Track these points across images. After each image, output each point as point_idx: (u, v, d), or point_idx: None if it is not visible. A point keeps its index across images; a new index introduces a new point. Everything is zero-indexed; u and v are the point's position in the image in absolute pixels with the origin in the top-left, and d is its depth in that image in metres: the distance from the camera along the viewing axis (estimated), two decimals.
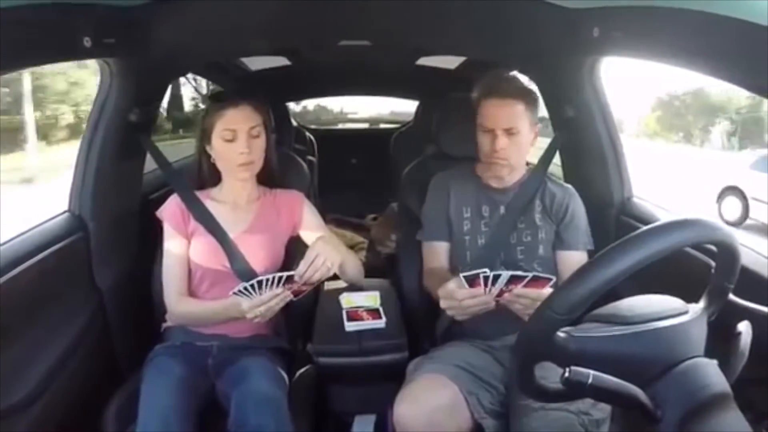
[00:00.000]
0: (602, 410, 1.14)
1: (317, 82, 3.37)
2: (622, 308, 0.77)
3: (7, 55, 0.98)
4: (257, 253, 1.38)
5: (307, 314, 1.58)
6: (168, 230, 1.39)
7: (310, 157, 2.97)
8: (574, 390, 0.69)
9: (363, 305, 1.58)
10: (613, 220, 1.57)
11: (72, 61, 1.33)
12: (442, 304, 1.18)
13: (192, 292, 1.39)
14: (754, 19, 0.83)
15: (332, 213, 3.14)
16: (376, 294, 1.63)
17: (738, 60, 0.92)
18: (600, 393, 0.69)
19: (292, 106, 4.22)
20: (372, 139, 3.74)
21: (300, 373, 1.47)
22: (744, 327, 0.78)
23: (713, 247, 0.79)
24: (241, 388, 1.22)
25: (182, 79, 3.38)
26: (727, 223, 5.92)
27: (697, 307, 0.79)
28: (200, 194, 1.42)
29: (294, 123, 3.10)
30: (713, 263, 0.80)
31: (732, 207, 6.51)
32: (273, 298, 1.20)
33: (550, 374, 0.75)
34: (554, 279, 1.11)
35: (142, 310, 1.50)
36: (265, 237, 1.41)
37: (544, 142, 1.54)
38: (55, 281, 1.32)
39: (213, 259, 1.37)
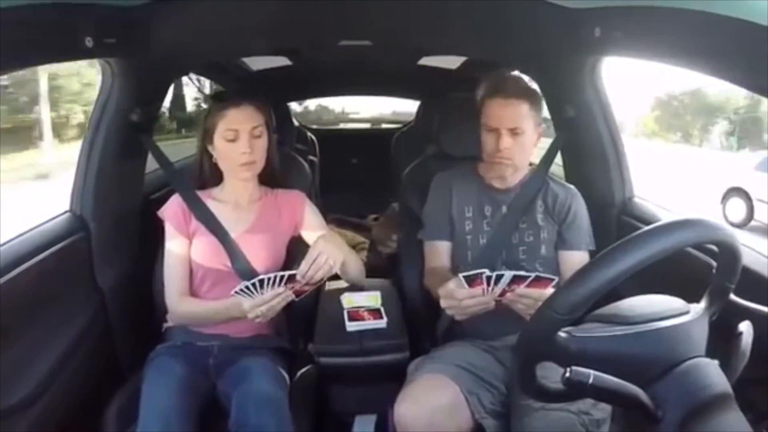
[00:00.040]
0: (603, 410, 1.13)
1: (318, 82, 3.37)
2: (624, 308, 0.77)
3: (8, 55, 0.99)
4: (258, 253, 1.38)
5: (308, 314, 1.58)
6: (169, 230, 1.39)
7: (311, 157, 2.97)
8: (574, 390, 0.69)
9: (364, 305, 1.58)
10: (615, 220, 1.57)
11: (74, 61, 1.33)
12: (442, 303, 1.18)
13: (193, 292, 1.39)
14: (754, 19, 0.83)
15: (333, 213, 3.15)
16: (377, 294, 1.63)
17: (738, 60, 0.92)
18: (601, 393, 0.69)
19: (294, 106, 4.22)
20: (373, 139, 3.74)
21: (301, 373, 1.47)
22: (745, 327, 0.78)
23: (714, 247, 0.79)
24: (241, 388, 1.22)
25: (185, 79, 3.38)
26: (732, 224, 5.90)
27: (699, 307, 0.79)
28: (202, 194, 1.42)
29: (295, 123, 3.10)
30: (714, 263, 0.80)
31: (736, 208, 6.48)
32: (274, 298, 1.20)
33: (551, 374, 0.75)
34: (557, 279, 1.11)
35: (144, 310, 1.50)
36: (267, 237, 1.41)
37: (545, 142, 1.54)
38: (56, 281, 1.32)
39: (214, 259, 1.37)
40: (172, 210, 1.40)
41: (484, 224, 1.43)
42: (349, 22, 1.50)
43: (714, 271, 0.80)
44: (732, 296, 0.81)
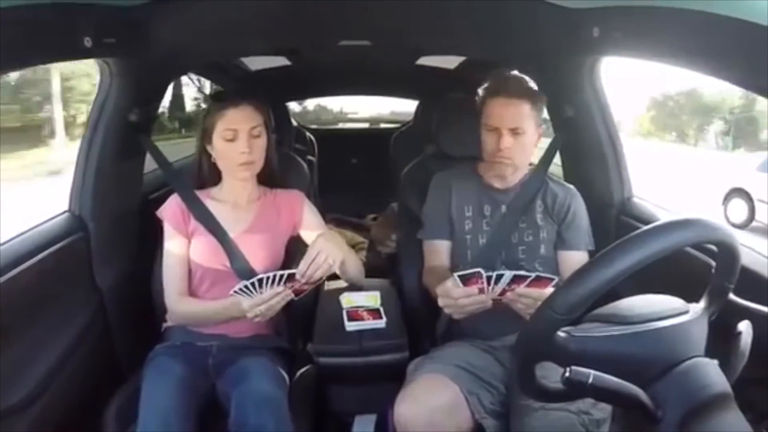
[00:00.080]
0: (603, 410, 1.13)
1: (317, 82, 3.37)
2: (623, 308, 0.77)
3: (7, 55, 0.98)
4: (257, 253, 1.38)
5: (308, 314, 1.58)
6: (168, 230, 1.39)
7: (310, 157, 2.97)
8: (574, 390, 0.69)
9: (363, 305, 1.58)
10: (613, 220, 1.57)
11: (73, 61, 1.33)
12: (440, 302, 1.18)
13: (192, 292, 1.39)
14: (754, 19, 0.83)
15: (332, 213, 3.14)
16: (377, 294, 1.63)
17: (738, 60, 0.92)
18: (600, 393, 0.69)
19: (293, 106, 4.21)
20: (372, 139, 3.74)
21: (300, 373, 1.47)
22: (744, 327, 0.78)
23: (714, 247, 0.79)
24: (241, 388, 1.22)
25: (184, 79, 3.38)
26: (733, 225, 5.90)
27: (698, 307, 0.79)
28: (200, 194, 1.42)
29: (294, 123, 3.10)
30: (713, 263, 0.80)
31: (738, 209, 6.47)
32: (274, 297, 1.20)
33: (550, 374, 0.75)
34: (557, 279, 1.11)
35: (143, 310, 1.50)
36: (266, 237, 1.41)
37: (544, 142, 1.54)
38: (55, 281, 1.32)
39: (213, 259, 1.37)
40: (171, 210, 1.40)
41: (484, 224, 1.43)
42: (349, 22, 1.50)
43: (713, 270, 0.80)
44: (731, 296, 0.81)
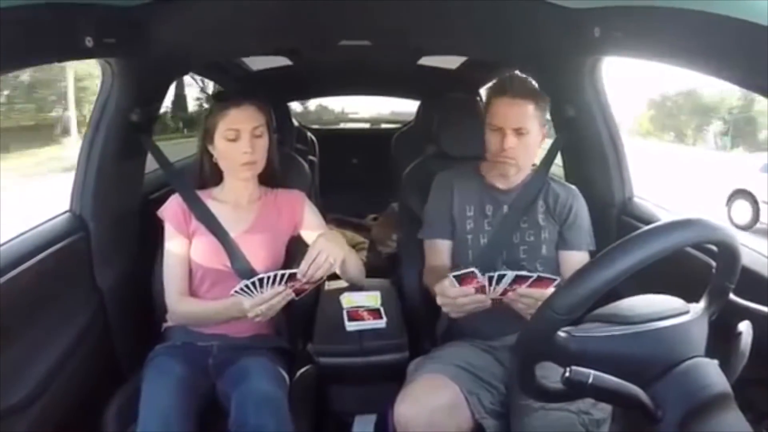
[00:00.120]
0: (603, 410, 1.13)
1: (318, 82, 3.37)
2: (623, 308, 0.77)
3: (8, 55, 0.99)
4: (258, 253, 1.38)
5: (308, 314, 1.58)
6: (169, 230, 1.39)
7: (311, 157, 2.98)
8: (574, 390, 0.69)
9: (364, 305, 1.58)
10: (615, 220, 1.57)
11: (74, 61, 1.34)
12: (438, 301, 1.18)
13: (193, 292, 1.39)
14: (754, 19, 0.83)
15: (333, 213, 3.14)
16: (377, 294, 1.63)
17: (738, 60, 0.92)
18: (600, 393, 0.69)
19: (294, 106, 4.22)
20: (373, 139, 3.74)
21: (300, 372, 1.47)
22: (745, 327, 0.78)
23: (714, 247, 0.79)
24: (241, 388, 1.22)
25: (187, 79, 3.38)
26: (737, 227, 5.87)
27: (698, 307, 0.79)
28: (201, 194, 1.42)
29: (295, 123, 3.10)
30: (714, 263, 0.80)
31: (742, 210, 6.44)
32: (275, 297, 1.20)
33: (550, 374, 0.75)
34: (558, 279, 1.11)
35: (143, 310, 1.50)
36: (266, 237, 1.41)
37: (546, 143, 1.54)
38: (55, 281, 1.32)
39: (214, 259, 1.37)
40: (172, 210, 1.40)
41: (485, 224, 1.43)
42: (349, 22, 1.50)
43: (713, 271, 0.80)
44: (732, 296, 0.81)
